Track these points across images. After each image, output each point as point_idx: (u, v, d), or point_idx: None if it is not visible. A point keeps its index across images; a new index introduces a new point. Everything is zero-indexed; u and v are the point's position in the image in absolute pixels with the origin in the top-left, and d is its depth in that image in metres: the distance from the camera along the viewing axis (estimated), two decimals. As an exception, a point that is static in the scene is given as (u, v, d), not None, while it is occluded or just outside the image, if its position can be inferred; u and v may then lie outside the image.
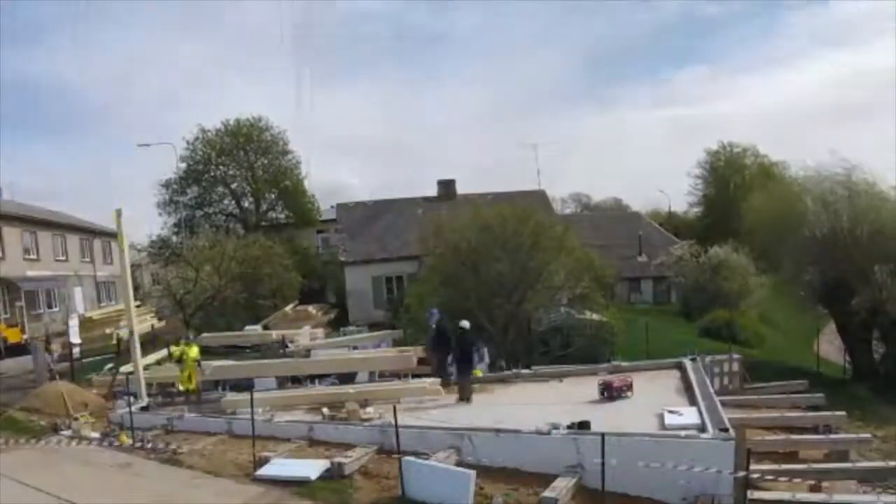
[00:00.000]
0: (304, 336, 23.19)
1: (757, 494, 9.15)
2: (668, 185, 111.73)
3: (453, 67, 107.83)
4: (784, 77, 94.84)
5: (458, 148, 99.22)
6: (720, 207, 45.49)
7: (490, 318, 20.06)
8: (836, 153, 22.04)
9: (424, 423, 12.01)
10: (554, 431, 10.40)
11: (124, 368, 17.71)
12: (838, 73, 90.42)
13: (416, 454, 10.19)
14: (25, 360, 21.61)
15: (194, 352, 15.96)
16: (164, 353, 19.15)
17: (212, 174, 40.43)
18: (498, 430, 10.93)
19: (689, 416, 10.99)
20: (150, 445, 13.09)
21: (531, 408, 12.88)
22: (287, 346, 21.69)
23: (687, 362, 15.35)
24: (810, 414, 14.90)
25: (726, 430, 9.62)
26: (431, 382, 15.03)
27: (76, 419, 14.74)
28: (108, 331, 26.85)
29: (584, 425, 10.66)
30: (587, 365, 17.48)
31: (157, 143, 44.35)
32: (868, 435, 12.70)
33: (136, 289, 24.73)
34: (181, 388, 15.93)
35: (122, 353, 18.79)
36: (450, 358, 15.58)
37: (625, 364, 16.83)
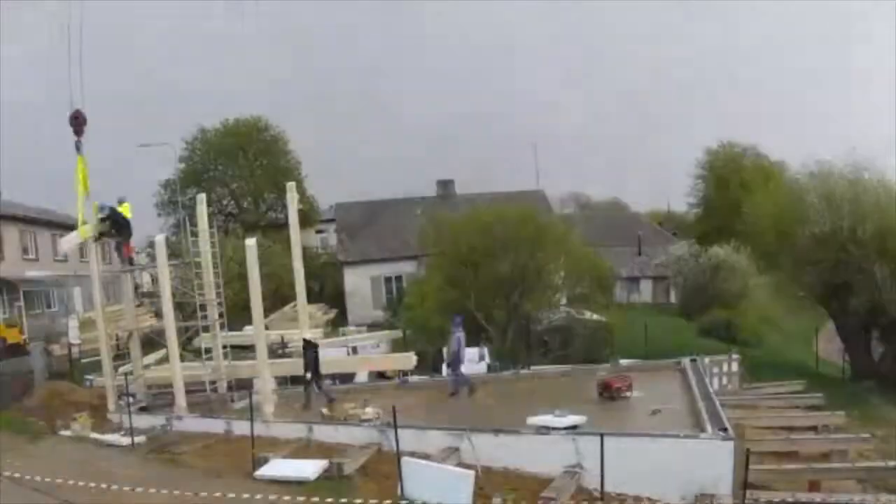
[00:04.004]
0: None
1: (756, 494, 9.15)
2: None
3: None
4: None
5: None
6: (720, 207, 45.44)
7: (490, 318, 20.06)
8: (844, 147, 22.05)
9: (424, 423, 12.01)
10: (553, 431, 10.39)
11: (123, 368, 17.68)
12: None
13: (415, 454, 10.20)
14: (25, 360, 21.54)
15: None
16: (163, 352, 19.11)
17: (211, 174, 40.43)
18: (497, 430, 10.93)
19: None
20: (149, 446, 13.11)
21: (530, 408, 12.86)
22: (286, 346, 21.67)
23: (686, 362, 15.34)
24: (809, 414, 14.89)
25: (725, 429, 9.62)
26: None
27: (75, 419, 14.73)
28: (107, 330, 26.74)
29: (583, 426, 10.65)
30: (586, 365, 17.49)
31: (156, 144, 44.03)
32: (867, 435, 12.69)
33: (135, 289, 24.69)
34: None
35: (121, 352, 18.77)
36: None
37: (624, 364, 16.84)
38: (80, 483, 10.84)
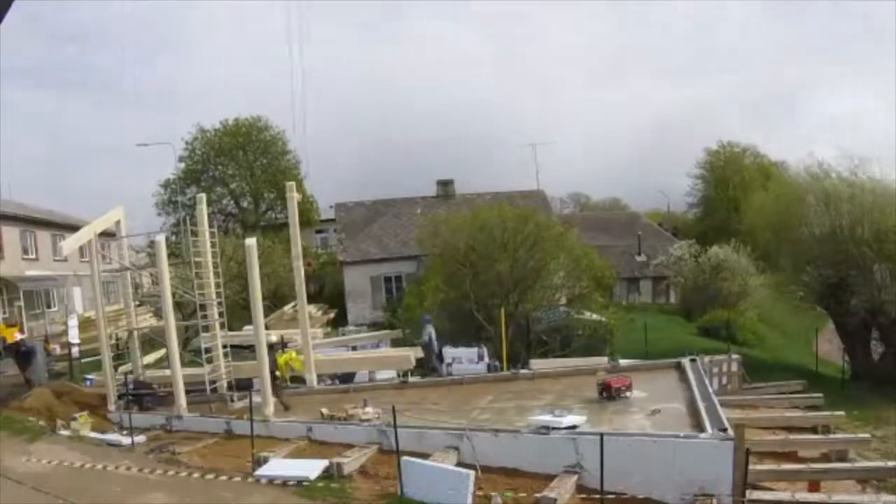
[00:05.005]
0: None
1: (756, 494, 9.15)
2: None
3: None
4: None
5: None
6: (720, 207, 45.51)
7: (489, 318, 20.07)
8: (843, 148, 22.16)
9: (423, 423, 12.01)
10: (553, 431, 10.40)
11: (123, 368, 17.69)
12: None
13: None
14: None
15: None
16: (163, 352, 19.13)
17: (211, 174, 40.52)
18: (497, 430, 10.93)
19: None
20: (148, 446, 13.11)
21: (530, 408, 12.88)
22: (286, 346, 21.65)
23: (686, 362, 15.34)
24: (809, 414, 14.90)
25: (725, 429, 9.62)
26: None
27: (75, 419, 14.73)
28: (107, 330, 26.76)
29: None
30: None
31: (156, 144, 43.94)
32: (867, 435, 12.71)
33: (135, 289, 24.70)
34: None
35: (121, 352, 18.80)
36: None
37: (624, 364, 16.83)
38: (80, 483, 10.86)
